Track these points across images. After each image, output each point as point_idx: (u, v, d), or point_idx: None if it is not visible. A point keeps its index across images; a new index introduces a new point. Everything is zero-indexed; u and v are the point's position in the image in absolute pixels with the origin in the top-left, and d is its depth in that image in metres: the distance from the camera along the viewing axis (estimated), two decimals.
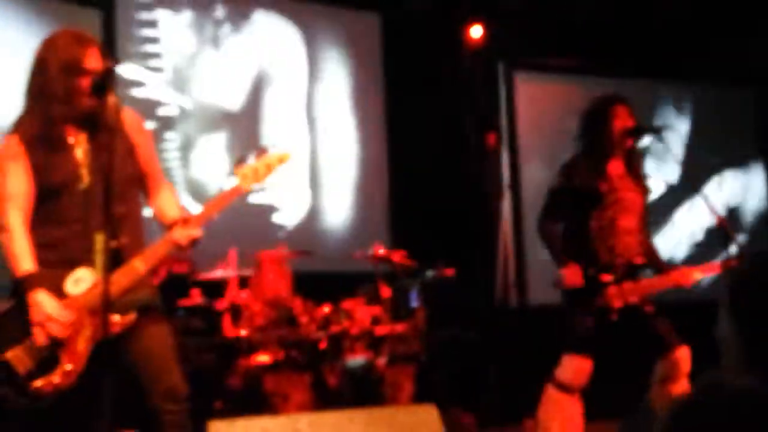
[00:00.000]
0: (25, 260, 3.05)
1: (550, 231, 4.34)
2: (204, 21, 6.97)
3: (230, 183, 3.34)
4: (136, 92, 6.57)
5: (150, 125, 5.99)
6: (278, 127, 7.22)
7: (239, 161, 3.35)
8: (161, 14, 6.77)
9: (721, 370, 1.45)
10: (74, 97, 3.09)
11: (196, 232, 3.19)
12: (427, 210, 7.28)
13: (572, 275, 4.18)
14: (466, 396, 6.18)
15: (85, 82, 3.08)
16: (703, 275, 4.30)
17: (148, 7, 6.70)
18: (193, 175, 6.80)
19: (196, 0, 6.91)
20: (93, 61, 3.11)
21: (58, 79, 3.07)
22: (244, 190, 3.32)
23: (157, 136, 6.42)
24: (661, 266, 4.42)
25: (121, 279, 3.06)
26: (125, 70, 6.48)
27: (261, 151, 3.38)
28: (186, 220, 3.19)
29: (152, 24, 6.71)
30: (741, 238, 4.18)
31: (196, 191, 6.72)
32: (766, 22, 7.58)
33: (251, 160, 3.34)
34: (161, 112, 6.68)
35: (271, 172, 3.34)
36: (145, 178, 3.33)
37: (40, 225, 3.13)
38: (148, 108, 6.42)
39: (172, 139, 6.71)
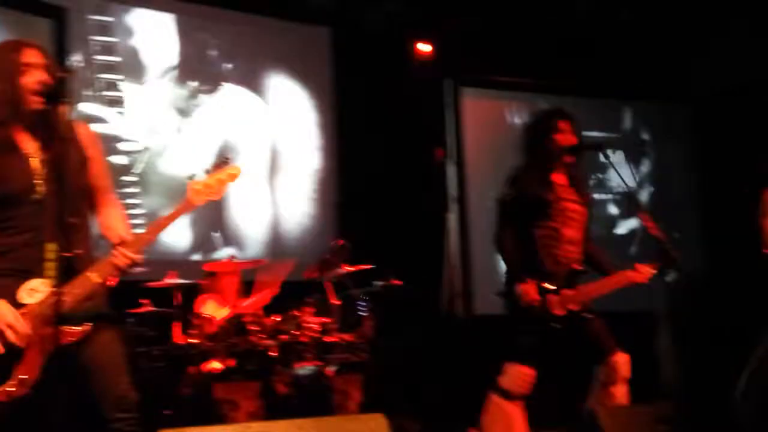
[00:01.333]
0: None
1: (508, 244, 4.37)
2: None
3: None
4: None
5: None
6: (236, 128, 7.26)
7: (192, 175, 3.37)
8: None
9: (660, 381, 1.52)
10: (18, 95, 3.10)
11: (137, 255, 3.19)
12: (376, 221, 7.35)
13: (531, 292, 4.25)
14: (413, 404, 6.24)
15: (30, 79, 3.10)
16: (652, 272, 4.37)
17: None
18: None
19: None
20: (31, 57, 3.13)
21: (2, 80, 3.09)
22: (195, 205, 3.35)
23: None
24: (609, 270, 4.52)
25: (75, 290, 3.06)
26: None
27: (215, 166, 3.41)
28: (126, 243, 3.20)
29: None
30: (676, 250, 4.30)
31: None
32: (704, 43, 7.82)
33: (204, 175, 3.38)
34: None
35: (223, 188, 3.37)
36: (95, 191, 3.34)
37: None
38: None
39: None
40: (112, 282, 3.24)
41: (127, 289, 5.45)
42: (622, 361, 4.31)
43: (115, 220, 3.35)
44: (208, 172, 3.39)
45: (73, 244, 3.08)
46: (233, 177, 3.40)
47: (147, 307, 5.48)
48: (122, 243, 3.20)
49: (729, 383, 1.24)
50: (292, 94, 7.66)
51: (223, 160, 3.45)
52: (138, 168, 6.70)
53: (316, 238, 7.43)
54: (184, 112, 7.08)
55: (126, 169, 6.62)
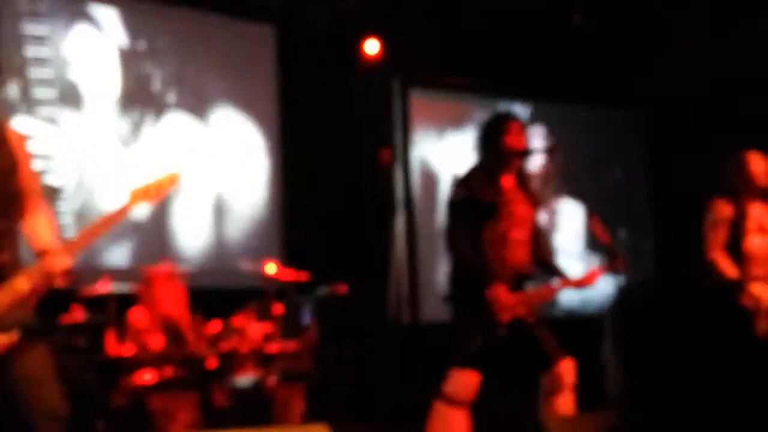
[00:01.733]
0: None
1: (463, 246, 4.34)
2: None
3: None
4: None
5: None
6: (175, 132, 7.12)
7: (134, 180, 3.34)
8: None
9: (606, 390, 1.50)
10: None
11: (68, 262, 3.14)
12: (320, 226, 7.27)
13: (503, 296, 4.21)
14: (358, 413, 6.19)
15: None
16: (600, 276, 4.40)
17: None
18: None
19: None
20: None
21: None
22: (132, 208, 3.30)
23: None
24: (556, 272, 4.55)
25: (3, 297, 3.00)
26: None
27: (154, 171, 3.39)
28: (57, 249, 3.15)
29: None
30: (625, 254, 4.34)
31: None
32: (658, 48, 7.91)
33: (143, 180, 3.34)
34: None
35: (162, 193, 3.34)
36: (23, 196, 3.26)
37: None
38: None
39: None
40: (42, 290, 3.16)
41: (59, 297, 5.31)
42: (567, 369, 4.31)
43: (42, 226, 3.29)
44: (145, 177, 3.35)
45: (2, 249, 3.05)
46: (173, 181, 3.37)
47: (79, 316, 5.32)
48: (52, 249, 3.14)
49: (676, 392, 1.23)
50: (235, 93, 7.52)
51: (163, 166, 3.42)
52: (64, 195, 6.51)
53: (260, 243, 7.30)
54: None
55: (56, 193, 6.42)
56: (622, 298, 1.52)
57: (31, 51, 6.39)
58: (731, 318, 1.46)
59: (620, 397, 1.47)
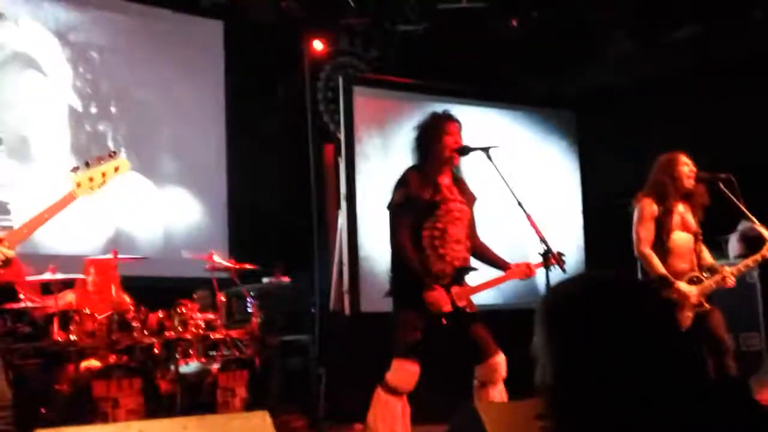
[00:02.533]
0: None
1: (408, 247, 4.41)
2: None
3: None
4: None
5: None
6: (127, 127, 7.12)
7: (75, 168, 3.31)
8: None
9: (535, 382, 1.53)
10: None
11: (10, 252, 3.13)
12: (265, 218, 7.33)
13: (441, 300, 4.32)
14: (299, 401, 6.25)
15: None
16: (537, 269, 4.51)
17: None
18: None
19: None
20: None
21: None
22: (76, 197, 3.28)
23: None
24: (497, 263, 4.67)
25: None
26: None
27: (98, 158, 3.35)
28: (1, 238, 3.12)
29: None
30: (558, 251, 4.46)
31: None
32: (587, 49, 8.11)
33: (87, 167, 3.31)
34: None
35: (106, 181, 3.33)
36: None
37: None
38: None
39: None
40: None
41: (2, 284, 5.28)
42: (500, 362, 4.44)
43: None
44: (89, 164, 3.33)
45: None
46: (118, 170, 3.35)
47: (24, 303, 5.29)
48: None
49: (600, 382, 1.29)
50: (182, 87, 7.54)
51: (109, 153, 3.40)
52: None
53: (205, 235, 7.33)
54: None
55: None
56: (551, 291, 1.57)
57: None
58: (656, 310, 1.51)
59: (545, 388, 1.51)
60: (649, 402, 1.40)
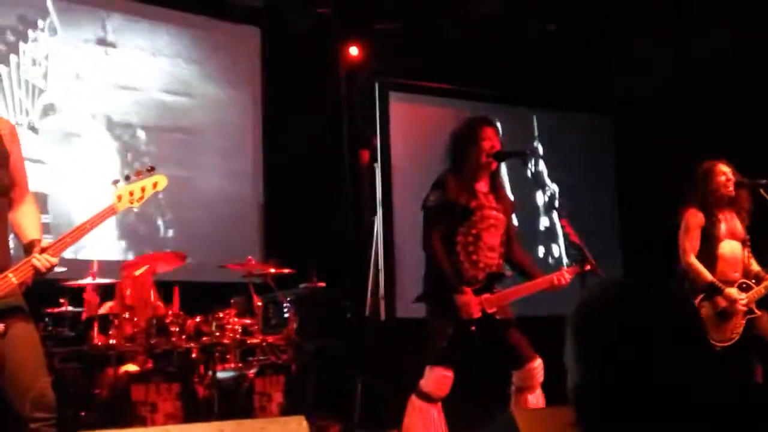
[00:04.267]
0: None
1: (439, 250, 4.41)
2: None
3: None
4: None
5: None
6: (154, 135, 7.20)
7: (116, 181, 3.36)
8: None
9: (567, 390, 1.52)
10: None
11: (55, 260, 3.18)
12: (301, 223, 7.36)
13: (471, 305, 4.30)
14: (335, 406, 6.26)
15: None
16: (571, 277, 4.45)
17: None
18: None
19: None
20: None
21: None
22: (117, 211, 3.34)
23: None
24: (531, 273, 4.62)
25: None
26: None
27: (138, 172, 3.41)
28: (45, 247, 3.18)
29: None
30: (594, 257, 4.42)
31: None
32: (626, 54, 8.05)
33: (128, 181, 3.36)
34: None
35: (146, 196, 3.38)
36: (12, 187, 3.30)
37: None
38: None
39: None
40: (28, 283, 3.20)
41: (45, 288, 5.36)
42: (538, 368, 4.42)
43: (29, 220, 3.34)
44: (129, 178, 3.38)
45: None
46: (157, 185, 3.40)
47: (64, 307, 5.37)
48: (42, 247, 3.18)
49: (634, 387, 1.28)
50: (219, 92, 7.61)
51: (147, 168, 3.45)
52: None
53: (243, 239, 7.38)
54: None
55: None
56: (585, 299, 1.55)
57: None
58: (684, 317, 1.50)
59: (575, 395, 1.50)
60: (677, 411, 1.39)
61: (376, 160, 7.51)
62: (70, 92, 6.82)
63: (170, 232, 7.17)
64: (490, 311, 4.38)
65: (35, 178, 6.26)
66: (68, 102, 6.79)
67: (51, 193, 6.61)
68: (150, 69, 7.28)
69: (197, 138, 7.43)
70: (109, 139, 6.99)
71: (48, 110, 6.68)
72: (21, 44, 6.61)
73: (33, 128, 6.60)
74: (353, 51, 7.89)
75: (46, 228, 6.25)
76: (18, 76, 6.57)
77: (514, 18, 7.92)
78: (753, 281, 5.21)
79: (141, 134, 7.14)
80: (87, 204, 6.57)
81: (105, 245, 6.63)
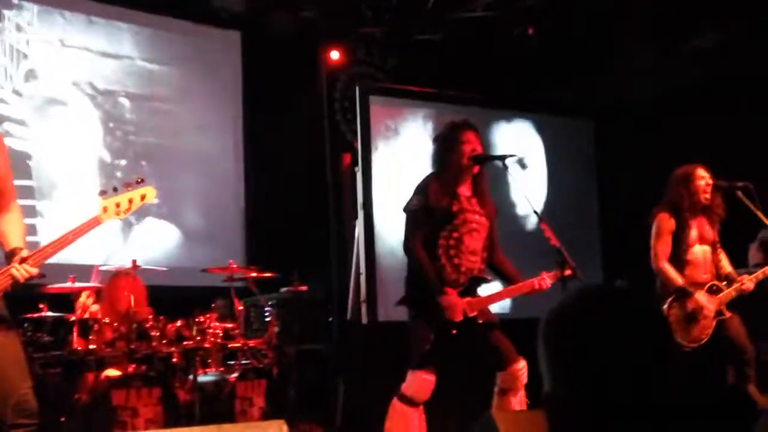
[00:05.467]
0: None
1: (420, 254, 4.42)
2: None
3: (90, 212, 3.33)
4: None
5: None
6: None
7: (103, 192, 3.36)
8: None
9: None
10: None
11: (34, 270, 3.17)
12: (282, 227, 7.36)
13: (454, 306, 4.32)
14: (316, 410, 6.26)
15: None
16: (551, 281, 4.46)
17: None
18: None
19: None
20: None
21: None
22: (102, 222, 3.33)
23: None
24: (512, 278, 4.64)
25: None
26: None
27: (126, 184, 3.41)
28: (25, 258, 3.17)
29: None
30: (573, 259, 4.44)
31: None
32: (607, 58, 8.10)
33: (115, 192, 3.36)
34: None
35: (132, 208, 3.38)
36: None
37: None
38: None
39: None
40: (7, 290, 3.19)
41: (23, 293, 5.32)
42: (522, 369, 4.43)
43: (12, 228, 3.33)
44: (117, 189, 3.37)
45: None
46: (144, 198, 3.40)
47: (43, 312, 5.33)
48: (22, 256, 3.17)
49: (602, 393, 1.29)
50: (200, 96, 7.60)
51: (137, 180, 3.45)
52: None
53: (223, 244, 7.37)
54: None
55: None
56: (554, 306, 1.55)
57: None
58: (650, 329, 1.51)
59: (547, 402, 1.51)
60: (645, 416, 1.40)
61: (357, 164, 7.52)
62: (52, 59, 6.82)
63: (150, 236, 7.14)
64: (471, 314, 4.39)
65: (18, 141, 6.35)
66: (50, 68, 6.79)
67: (35, 155, 6.62)
68: (128, 73, 7.27)
69: (176, 142, 7.41)
70: (95, 147, 7.00)
71: (29, 76, 6.67)
72: (5, 11, 6.60)
73: (17, 92, 6.62)
74: (334, 55, 7.90)
75: (30, 192, 6.38)
76: (2, 40, 6.56)
77: (497, 21, 7.94)
78: (724, 283, 5.27)
79: (120, 136, 7.11)
80: (69, 168, 6.64)
81: (81, 249, 6.59)
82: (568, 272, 4.29)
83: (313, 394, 6.33)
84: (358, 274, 7.37)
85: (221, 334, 5.48)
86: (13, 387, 3.16)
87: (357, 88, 7.61)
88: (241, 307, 5.76)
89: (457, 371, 4.61)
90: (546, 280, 4.45)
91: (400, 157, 7.60)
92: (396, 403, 4.39)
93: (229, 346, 5.54)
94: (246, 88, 7.79)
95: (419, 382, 4.34)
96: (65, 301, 5.45)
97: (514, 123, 8.55)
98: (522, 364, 4.44)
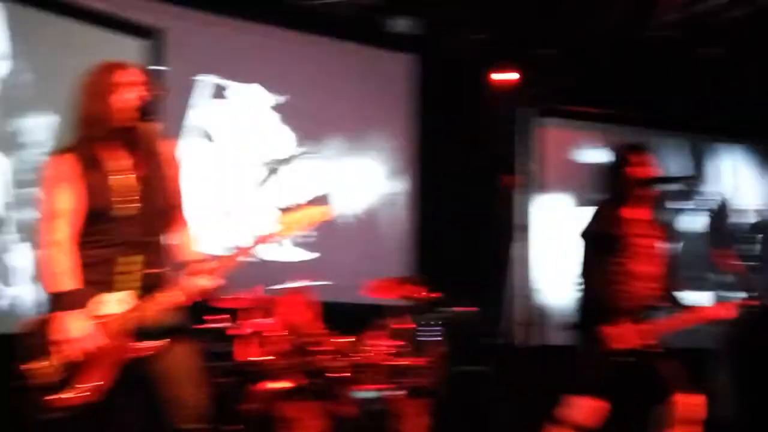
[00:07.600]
0: (67, 278, 3.13)
1: (597, 280, 4.37)
2: None
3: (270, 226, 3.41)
4: None
5: None
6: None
7: (284, 208, 3.44)
8: None
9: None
10: (105, 114, 3.21)
11: (214, 282, 3.25)
12: (449, 248, 7.38)
13: (626, 336, 4.24)
14: (480, 430, 6.20)
15: (121, 98, 3.21)
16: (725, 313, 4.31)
17: None
18: None
19: None
20: (126, 76, 3.25)
21: (95, 100, 3.22)
22: (282, 237, 3.39)
23: None
24: (681, 307, 4.50)
25: (157, 306, 3.17)
26: None
27: (307, 201, 3.47)
28: (207, 269, 3.24)
29: None
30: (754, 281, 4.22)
31: None
32: None
33: (295, 209, 3.43)
34: None
35: (310, 225, 3.42)
36: (171, 210, 3.41)
37: (84, 245, 3.21)
38: None
39: None
40: (188, 302, 3.30)
41: (198, 305, 5.50)
42: (690, 402, 4.24)
43: (187, 242, 3.44)
44: (299, 206, 3.44)
45: (157, 260, 3.24)
46: (323, 217, 3.45)
47: (216, 323, 5.50)
48: (199, 266, 3.26)
49: None
50: (371, 121, 7.74)
51: (319, 197, 3.51)
52: None
53: (394, 261, 7.47)
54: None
55: None
56: (740, 328, 1.51)
57: None
58: None
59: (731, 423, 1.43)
60: None
61: (522, 186, 7.45)
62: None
63: (323, 254, 7.28)
64: (645, 342, 4.27)
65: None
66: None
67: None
68: (301, 98, 7.45)
69: (347, 165, 7.57)
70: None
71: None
72: None
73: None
74: (503, 76, 7.84)
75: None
76: None
77: (678, 40, 7.61)
78: None
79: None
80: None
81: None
82: (754, 303, 4.07)
83: (477, 415, 6.27)
84: (517, 296, 7.29)
85: (388, 352, 5.51)
86: (188, 393, 3.25)
87: (526, 110, 7.54)
88: (410, 326, 5.78)
89: (627, 400, 4.46)
90: (733, 308, 4.26)
91: (563, 179, 7.45)
92: (552, 428, 4.31)
93: (396, 363, 5.56)
94: (419, 109, 7.87)
95: (590, 409, 4.25)
96: (231, 312, 5.59)
97: (691, 145, 8.20)
98: (688, 397, 4.23)
